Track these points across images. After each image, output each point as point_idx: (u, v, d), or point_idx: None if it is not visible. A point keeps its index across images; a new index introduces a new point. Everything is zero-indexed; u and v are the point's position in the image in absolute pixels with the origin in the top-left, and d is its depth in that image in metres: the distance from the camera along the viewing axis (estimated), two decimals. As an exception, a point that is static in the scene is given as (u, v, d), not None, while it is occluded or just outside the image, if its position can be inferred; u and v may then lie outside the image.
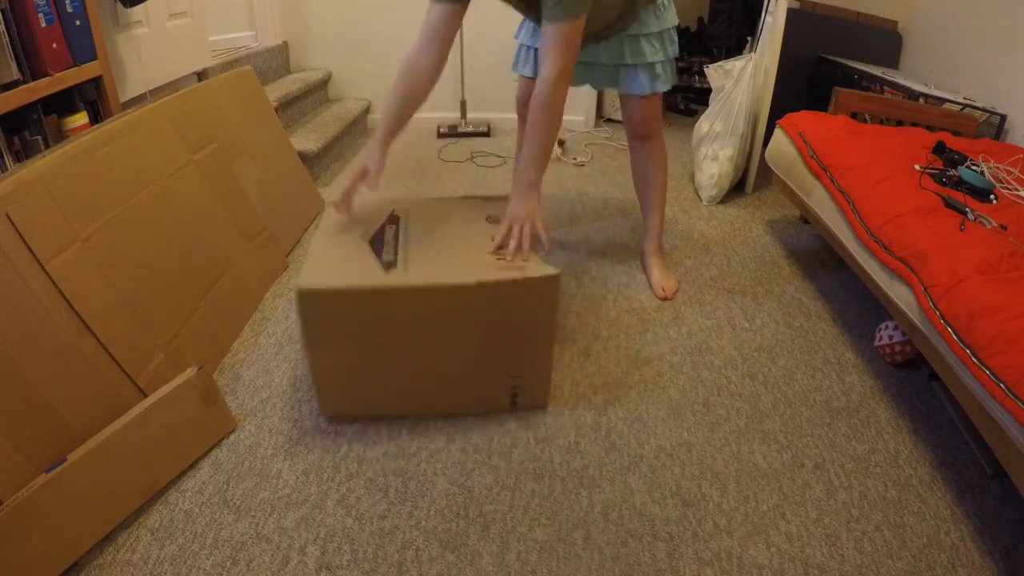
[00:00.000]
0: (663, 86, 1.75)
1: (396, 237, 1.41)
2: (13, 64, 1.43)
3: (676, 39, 1.75)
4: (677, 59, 1.80)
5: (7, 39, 1.41)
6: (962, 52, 2.53)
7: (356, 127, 3.25)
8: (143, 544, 1.14)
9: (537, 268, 1.30)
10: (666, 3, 1.68)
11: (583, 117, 3.40)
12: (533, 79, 1.79)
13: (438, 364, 1.35)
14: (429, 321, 1.29)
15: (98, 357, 1.24)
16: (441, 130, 3.30)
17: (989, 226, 1.49)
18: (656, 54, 1.69)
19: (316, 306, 1.24)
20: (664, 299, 1.88)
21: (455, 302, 1.28)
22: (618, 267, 2.05)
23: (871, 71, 2.61)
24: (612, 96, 3.38)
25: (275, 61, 3.10)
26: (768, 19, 2.40)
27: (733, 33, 3.36)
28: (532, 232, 1.37)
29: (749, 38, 2.75)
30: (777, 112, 2.30)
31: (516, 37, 1.85)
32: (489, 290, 1.26)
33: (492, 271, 1.28)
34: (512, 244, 1.34)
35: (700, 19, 3.70)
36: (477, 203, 1.59)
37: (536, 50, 1.76)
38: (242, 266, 1.78)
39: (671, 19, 1.70)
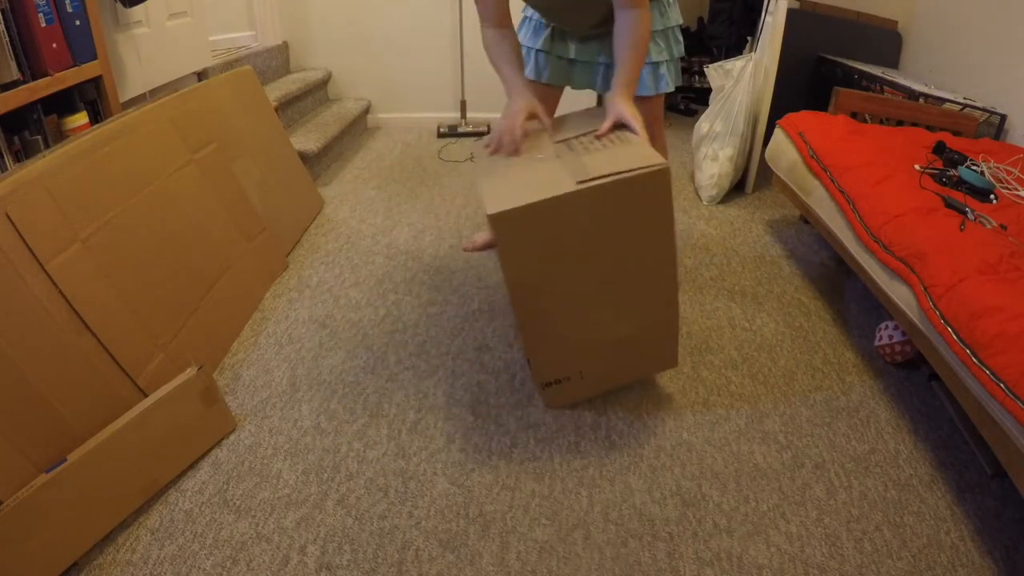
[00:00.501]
0: (667, 86, 1.68)
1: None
2: (13, 64, 1.43)
3: (681, 38, 1.69)
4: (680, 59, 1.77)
5: (7, 39, 1.41)
6: (962, 52, 2.53)
7: (356, 127, 3.25)
8: (143, 544, 1.14)
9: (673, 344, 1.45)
10: (670, 0, 1.63)
11: (583, 117, 3.40)
12: (533, 81, 1.77)
13: (586, 298, 1.33)
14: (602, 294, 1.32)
15: (98, 357, 1.24)
16: (441, 130, 3.30)
17: (989, 226, 1.49)
18: (660, 53, 1.63)
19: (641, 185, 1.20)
20: (664, 299, 1.88)
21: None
22: (618, 267, 2.05)
23: (871, 71, 2.61)
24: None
25: (275, 61, 3.10)
26: (768, 19, 2.40)
27: (733, 33, 3.36)
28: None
29: (749, 38, 2.75)
30: (777, 112, 2.30)
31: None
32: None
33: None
34: (640, 131, 1.37)
35: (700, 19, 3.70)
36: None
37: (537, 51, 1.74)
38: (242, 266, 1.78)
39: (675, 17, 1.64)
